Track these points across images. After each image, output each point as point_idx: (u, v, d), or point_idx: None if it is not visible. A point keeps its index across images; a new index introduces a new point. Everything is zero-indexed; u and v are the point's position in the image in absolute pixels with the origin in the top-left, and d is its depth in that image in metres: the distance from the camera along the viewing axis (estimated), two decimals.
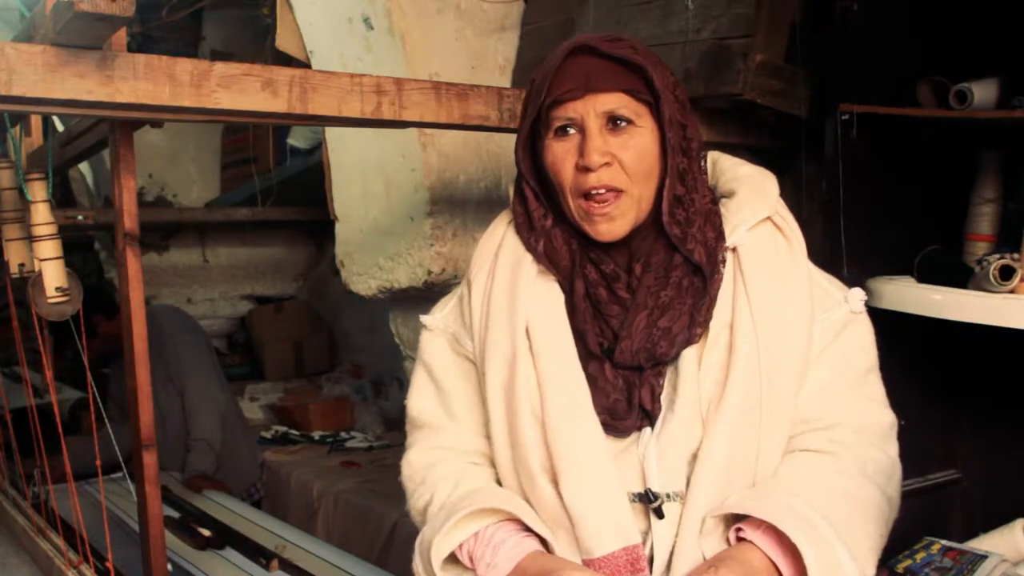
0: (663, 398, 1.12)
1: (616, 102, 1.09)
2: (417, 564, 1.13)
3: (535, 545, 1.10)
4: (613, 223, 1.11)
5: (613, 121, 1.10)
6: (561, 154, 1.12)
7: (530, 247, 1.19)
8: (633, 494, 1.10)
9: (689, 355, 1.12)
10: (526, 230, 1.20)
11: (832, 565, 1.00)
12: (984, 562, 1.65)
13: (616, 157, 1.10)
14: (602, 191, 1.10)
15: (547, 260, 1.17)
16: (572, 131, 1.11)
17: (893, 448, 1.18)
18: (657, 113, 1.11)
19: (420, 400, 1.27)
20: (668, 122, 1.11)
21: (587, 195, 1.11)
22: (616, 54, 1.10)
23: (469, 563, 1.10)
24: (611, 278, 1.15)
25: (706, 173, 1.21)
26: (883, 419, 1.18)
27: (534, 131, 1.16)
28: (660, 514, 1.08)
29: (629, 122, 1.10)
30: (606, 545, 1.07)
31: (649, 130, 1.11)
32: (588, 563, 1.08)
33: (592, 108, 1.09)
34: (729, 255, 1.16)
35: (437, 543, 1.08)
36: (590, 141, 1.09)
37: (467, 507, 1.10)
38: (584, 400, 1.11)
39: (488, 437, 1.20)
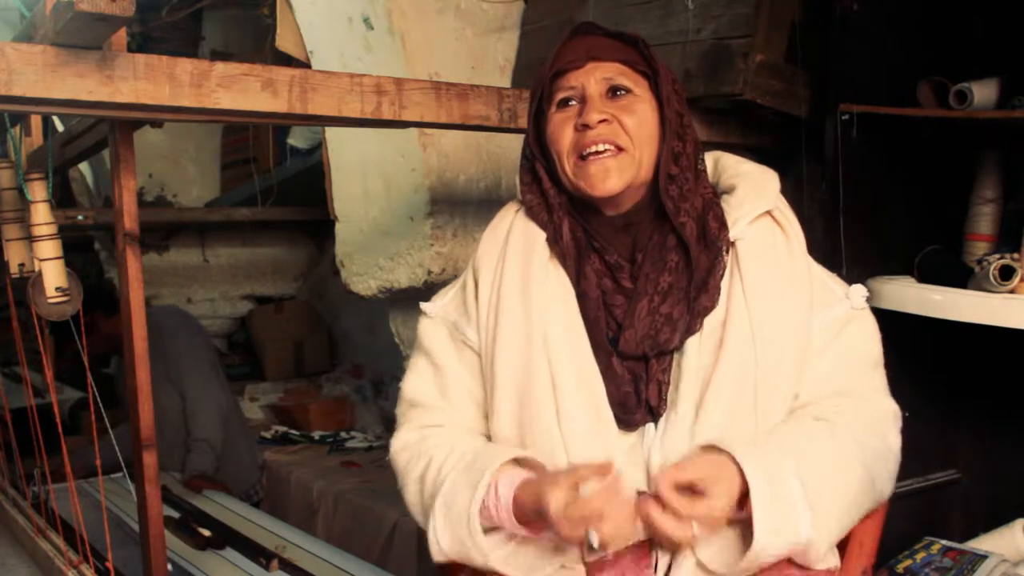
0: (668, 395, 1.13)
1: (615, 71, 1.15)
2: (443, 529, 1.11)
3: (524, 474, 1.09)
4: (609, 175, 1.13)
5: (613, 91, 1.15)
6: (561, 121, 1.16)
7: (554, 226, 1.19)
8: (639, 492, 1.09)
9: (691, 351, 1.12)
10: (545, 212, 1.21)
11: (783, 499, 1.00)
12: (984, 562, 1.65)
13: (616, 118, 1.13)
14: (602, 147, 1.12)
15: (571, 243, 1.18)
16: (573, 103, 1.16)
17: (894, 437, 1.16)
18: (655, 87, 1.16)
19: (417, 381, 1.27)
20: (666, 99, 1.15)
21: (585, 156, 1.13)
22: (616, 31, 1.17)
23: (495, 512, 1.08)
24: (615, 268, 1.16)
25: (705, 171, 1.22)
26: (884, 406, 1.17)
27: (540, 118, 1.19)
28: None
29: (628, 91, 1.15)
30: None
31: (648, 101, 1.16)
32: (594, 563, 1.08)
33: (592, 76, 1.14)
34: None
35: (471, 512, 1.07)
36: (590, 102, 1.14)
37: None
38: (600, 394, 1.12)
39: (485, 419, 1.20)
